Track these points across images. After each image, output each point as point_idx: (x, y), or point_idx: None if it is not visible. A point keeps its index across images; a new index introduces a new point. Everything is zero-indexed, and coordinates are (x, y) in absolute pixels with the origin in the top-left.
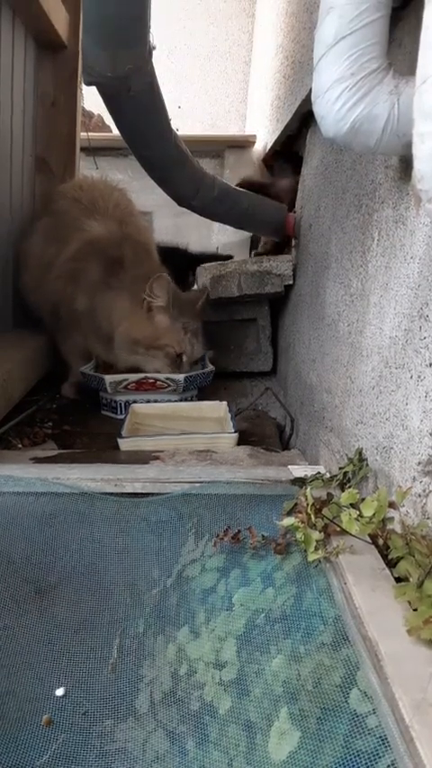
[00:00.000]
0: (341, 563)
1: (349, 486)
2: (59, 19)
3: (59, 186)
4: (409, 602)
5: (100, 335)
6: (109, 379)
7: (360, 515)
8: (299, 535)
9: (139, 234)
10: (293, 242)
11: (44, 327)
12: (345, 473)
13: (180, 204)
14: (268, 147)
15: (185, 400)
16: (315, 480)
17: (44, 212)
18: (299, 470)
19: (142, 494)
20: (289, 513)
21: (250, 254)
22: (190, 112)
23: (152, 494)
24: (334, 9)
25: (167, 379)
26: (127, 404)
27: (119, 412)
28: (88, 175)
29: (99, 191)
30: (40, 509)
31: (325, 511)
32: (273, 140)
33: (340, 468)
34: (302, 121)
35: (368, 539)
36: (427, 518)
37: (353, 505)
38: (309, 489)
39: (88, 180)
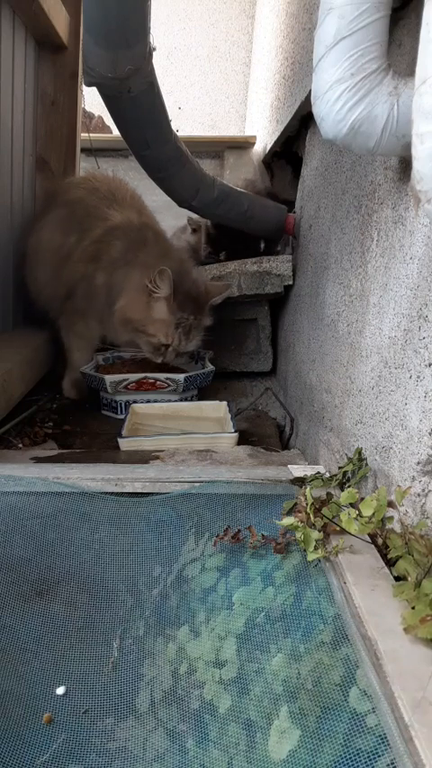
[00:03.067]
0: (341, 562)
1: (349, 486)
2: (60, 19)
3: (66, 179)
4: (408, 601)
5: (112, 311)
6: (109, 379)
7: (359, 515)
8: (298, 534)
9: (155, 224)
10: (292, 241)
11: (47, 325)
12: (344, 473)
13: (180, 205)
14: (268, 147)
15: (185, 400)
16: (315, 480)
17: (54, 204)
18: (298, 470)
19: (142, 493)
20: (289, 513)
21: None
22: (190, 113)
23: (152, 493)
24: (334, 10)
25: (167, 378)
26: (127, 404)
27: (119, 412)
28: (106, 171)
29: (115, 182)
30: (40, 509)
31: (324, 510)
32: (272, 141)
33: (340, 468)
34: (302, 122)
35: (367, 538)
36: (426, 517)
37: (352, 505)
38: (308, 489)
39: (99, 174)
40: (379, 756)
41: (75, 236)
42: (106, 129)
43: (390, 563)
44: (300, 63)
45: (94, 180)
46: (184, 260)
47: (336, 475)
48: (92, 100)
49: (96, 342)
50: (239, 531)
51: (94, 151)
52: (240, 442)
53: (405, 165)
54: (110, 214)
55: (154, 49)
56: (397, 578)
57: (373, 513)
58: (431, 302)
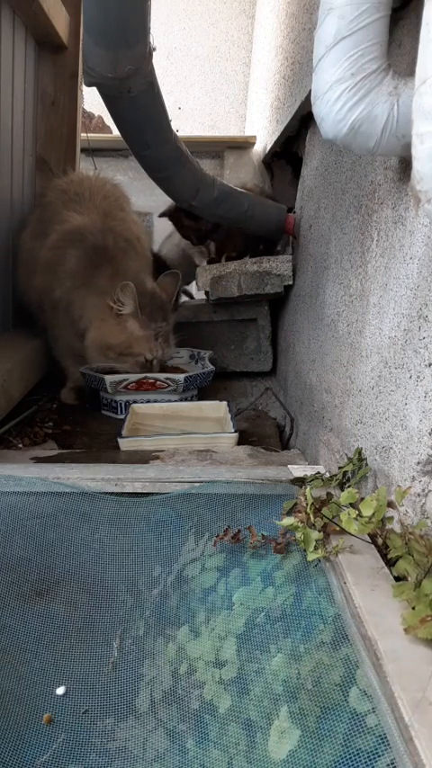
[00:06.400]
0: (341, 562)
1: (349, 486)
2: (60, 19)
3: (53, 181)
4: (408, 602)
5: (75, 329)
6: (109, 379)
7: (359, 515)
8: (298, 534)
9: (126, 229)
10: (292, 241)
11: (40, 331)
12: (344, 473)
13: (180, 205)
14: (268, 148)
15: (185, 400)
16: (315, 480)
17: (36, 206)
18: (298, 470)
19: (142, 493)
20: (289, 513)
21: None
22: (190, 113)
23: (152, 493)
24: (334, 10)
25: (167, 378)
26: (127, 404)
27: (119, 412)
28: (86, 172)
29: (90, 182)
30: (40, 509)
31: (324, 510)
32: (272, 141)
33: (340, 468)
34: (302, 122)
35: (367, 538)
36: (426, 517)
37: (352, 505)
38: (308, 489)
39: (82, 174)
40: (379, 756)
41: (39, 242)
42: (106, 129)
43: (390, 563)
44: (300, 63)
45: (69, 181)
46: (139, 271)
47: (336, 475)
48: (92, 100)
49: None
50: (239, 531)
51: (93, 151)
52: (240, 442)
53: (405, 165)
54: (69, 217)
55: (154, 49)
56: (397, 578)
57: (373, 513)
58: (431, 302)
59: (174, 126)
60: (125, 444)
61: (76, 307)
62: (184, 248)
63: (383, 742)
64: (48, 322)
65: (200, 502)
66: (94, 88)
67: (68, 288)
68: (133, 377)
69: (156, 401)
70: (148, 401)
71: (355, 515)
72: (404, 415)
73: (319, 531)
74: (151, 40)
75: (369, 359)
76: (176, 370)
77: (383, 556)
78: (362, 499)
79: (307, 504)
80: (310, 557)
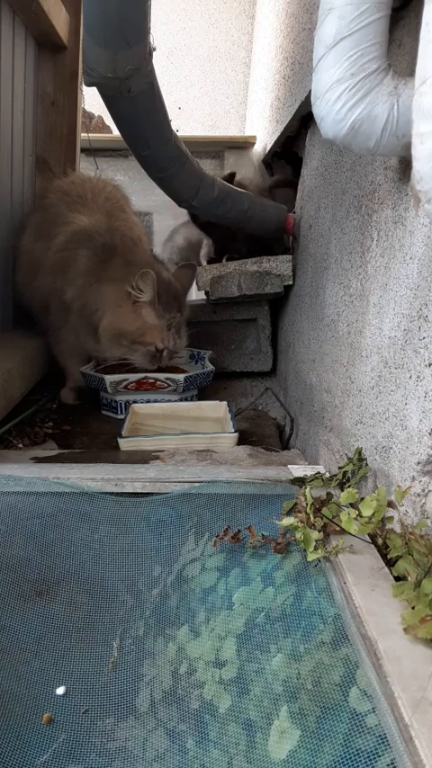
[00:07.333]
0: (341, 562)
1: (349, 486)
2: (60, 19)
3: (54, 182)
4: (408, 601)
5: (89, 327)
6: (109, 379)
7: (359, 515)
8: (298, 535)
9: (129, 229)
10: (292, 241)
11: (41, 332)
12: (344, 473)
13: (180, 205)
14: (268, 147)
15: (185, 400)
16: (315, 480)
17: (36, 208)
18: (298, 470)
19: (142, 493)
20: (289, 513)
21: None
22: (190, 113)
23: (152, 493)
24: (334, 10)
25: (167, 378)
26: (127, 404)
27: (119, 412)
28: (87, 172)
29: (91, 184)
30: (40, 509)
31: (324, 510)
32: (272, 141)
33: (340, 468)
34: (302, 122)
35: (367, 538)
36: (426, 517)
37: (352, 505)
38: (308, 489)
39: (83, 175)
40: (379, 756)
41: (43, 243)
42: (106, 129)
43: (390, 563)
44: (300, 63)
45: (71, 183)
46: (152, 262)
47: (336, 475)
48: (92, 100)
49: (86, 353)
50: (239, 531)
51: (93, 151)
52: (240, 442)
53: (405, 165)
54: (74, 218)
55: (154, 49)
56: (397, 578)
57: (373, 513)
58: (431, 302)
59: (174, 126)
60: (125, 444)
61: (90, 303)
62: (187, 248)
63: (383, 742)
64: (52, 323)
65: (200, 502)
66: (94, 88)
67: (81, 286)
68: (133, 377)
69: (156, 401)
70: (148, 401)
71: (355, 515)
72: (404, 415)
73: (319, 532)
74: (151, 40)
75: (369, 359)
76: (176, 370)
77: (383, 556)
78: (362, 499)
79: (307, 504)
80: (310, 557)
